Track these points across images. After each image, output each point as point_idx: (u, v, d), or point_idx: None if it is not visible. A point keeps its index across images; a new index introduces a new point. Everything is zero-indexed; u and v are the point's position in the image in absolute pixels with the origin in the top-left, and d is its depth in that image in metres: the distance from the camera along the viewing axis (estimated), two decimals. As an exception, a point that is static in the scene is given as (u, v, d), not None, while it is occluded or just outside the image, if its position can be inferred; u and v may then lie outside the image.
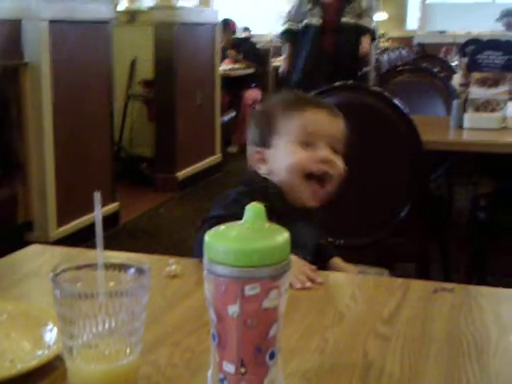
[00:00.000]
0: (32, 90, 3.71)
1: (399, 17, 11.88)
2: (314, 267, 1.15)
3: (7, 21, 3.74)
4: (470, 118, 2.80)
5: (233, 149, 7.19)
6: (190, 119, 5.60)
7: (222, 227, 0.73)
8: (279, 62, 8.98)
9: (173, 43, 5.32)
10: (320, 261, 1.34)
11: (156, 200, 5.18)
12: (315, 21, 5.39)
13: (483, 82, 2.77)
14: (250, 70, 7.43)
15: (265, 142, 1.38)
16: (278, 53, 9.22)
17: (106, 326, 0.72)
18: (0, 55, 3.75)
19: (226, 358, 0.70)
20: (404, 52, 9.14)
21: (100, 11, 4.20)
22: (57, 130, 3.82)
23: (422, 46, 10.47)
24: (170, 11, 5.29)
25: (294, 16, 5.54)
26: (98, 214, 0.78)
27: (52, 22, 3.73)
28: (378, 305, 1.04)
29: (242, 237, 0.70)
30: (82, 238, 3.78)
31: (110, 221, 4.18)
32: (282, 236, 0.71)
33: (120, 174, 4.92)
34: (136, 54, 5.83)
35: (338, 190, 1.35)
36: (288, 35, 5.62)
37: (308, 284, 1.11)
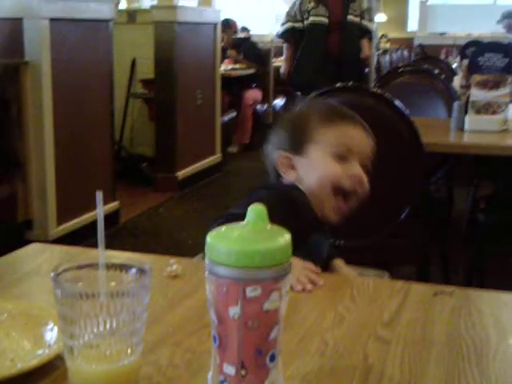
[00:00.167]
0: (32, 89, 3.71)
1: (400, 18, 11.89)
2: (317, 269, 1.15)
3: (8, 19, 3.74)
4: (470, 120, 2.80)
5: (233, 149, 7.19)
6: (190, 119, 5.60)
7: (223, 228, 0.73)
8: (280, 62, 8.99)
9: (173, 43, 5.32)
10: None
11: (156, 199, 5.18)
12: (321, 19, 5.29)
13: (484, 85, 2.77)
14: (251, 71, 7.43)
15: (296, 148, 1.36)
16: (279, 53, 9.23)
17: (107, 326, 0.72)
18: (1, 54, 3.75)
19: (226, 359, 0.70)
20: (405, 53, 9.15)
21: (101, 10, 4.20)
22: (57, 128, 3.82)
23: (422, 47, 10.48)
24: (170, 11, 5.29)
25: (296, 15, 5.43)
26: (100, 213, 0.78)
27: (53, 20, 3.74)
28: (379, 307, 1.04)
29: (244, 238, 0.70)
30: (82, 237, 3.78)
31: (109, 220, 4.18)
32: (284, 238, 0.71)
33: (120, 173, 4.92)
34: (136, 53, 5.84)
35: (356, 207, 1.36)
36: (290, 34, 5.50)
37: (309, 286, 1.10)
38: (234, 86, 7.04)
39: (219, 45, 6.19)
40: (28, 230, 3.78)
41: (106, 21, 4.27)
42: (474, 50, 3.30)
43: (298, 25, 5.40)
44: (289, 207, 1.26)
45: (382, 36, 11.05)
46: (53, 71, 3.76)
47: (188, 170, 5.59)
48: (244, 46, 7.70)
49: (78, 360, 0.74)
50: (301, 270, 1.12)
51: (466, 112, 2.83)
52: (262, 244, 0.69)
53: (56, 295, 0.73)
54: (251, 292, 0.68)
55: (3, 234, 3.53)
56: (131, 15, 5.94)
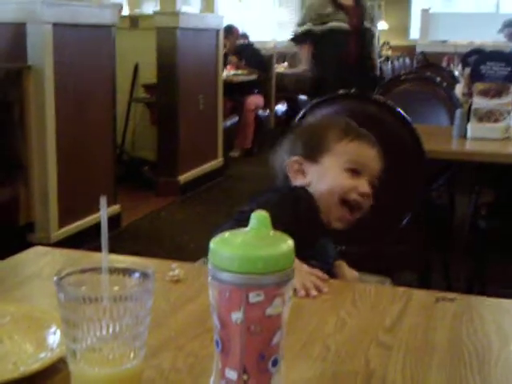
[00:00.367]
0: (35, 93, 3.72)
1: (402, 26, 11.91)
2: (324, 276, 1.15)
3: (11, 24, 3.75)
4: (473, 128, 2.81)
5: (235, 153, 7.20)
6: (192, 124, 5.61)
7: (226, 234, 0.73)
8: (282, 68, 9.02)
9: (175, 48, 5.33)
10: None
11: (157, 203, 5.18)
12: (341, 25, 5.15)
13: (486, 93, 2.77)
14: (253, 76, 7.44)
15: (311, 155, 1.42)
16: (280, 59, 9.25)
17: (110, 330, 0.72)
18: (4, 58, 3.77)
19: (228, 364, 0.70)
20: (407, 61, 9.16)
21: (103, 16, 4.21)
22: (59, 132, 3.82)
23: (424, 55, 10.49)
24: (173, 16, 5.31)
25: (314, 18, 5.24)
26: (104, 218, 0.78)
27: (56, 25, 3.75)
28: (380, 313, 1.04)
29: (247, 244, 0.70)
30: (84, 240, 3.79)
31: (111, 223, 4.13)
32: (287, 244, 0.71)
33: (122, 177, 4.93)
34: (139, 58, 5.86)
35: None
36: (307, 37, 5.28)
37: (313, 292, 1.10)
38: (235, 92, 7.05)
39: (221, 50, 6.20)
40: (30, 232, 3.79)
41: (109, 26, 4.29)
42: (476, 58, 3.31)
43: (317, 28, 5.24)
44: (297, 210, 1.32)
45: (384, 43, 11.06)
46: (55, 75, 3.77)
47: (190, 174, 5.60)
48: (246, 52, 7.72)
49: (80, 364, 0.74)
50: (306, 275, 1.13)
51: (468, 120, 2.84)
52: (264, 250, 0.70)
53: (59, 299, 0.73)
54: (254, 297, 0.68)
55: (5, 236, 3.53)
56: (134, 21, 5.95)
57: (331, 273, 1.33)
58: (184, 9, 5.56)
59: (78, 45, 4.01)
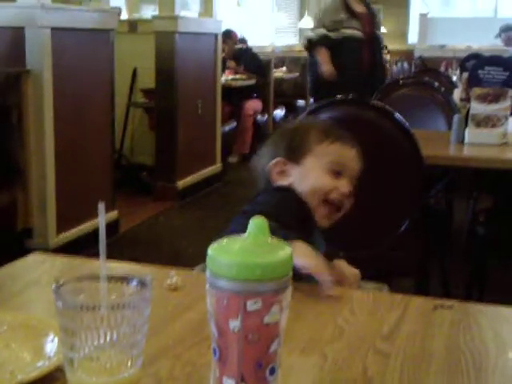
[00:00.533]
0: (33, 97, 3.72)
1: (400, 30, 11.92)
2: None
3: (10, 28, 3.75)
4: (470, 134, 2.81)
5: (233, 159, 7.20)
6: (190, 128, 5.61)
7: (224, 240, 0.73)
8: (280, 72, 9.02)
9: (174, 53, 5.33)
10: None
11: (156, 209, 5.18)
12: (355, 32, 5.17)
13: (484, 98, 2.78)
14: (251, 81, 7.45)
15: (293, 157, 1.46)
16: (279, 64, 9.26)
17: (108, 338, 0.72)
18: (2, 62, 3.77)
19: (226, 373, 0.70)
20: (405, 65, 9.17)
21: (102, 20, 4.22)
22: (58, 137, 3.83)
23: (422, 59, 10.50)
24: (171, 21, 5.31)
25: (328, 24, 5.24)
26: (102, 224, 0.78)
27: (54, 29, 3.75)
28: (378, 320, 1.04)
29: (245, 251, 0.71)
30: (82, 246, 3.79)
31: (109, 229, 4.12)
32: (285, 251, 0.71)
33: (120, 182, 4.92)
34: (137, 62, 5.86)
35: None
36: (323, 42, 5.26)
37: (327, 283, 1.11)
38: (234, 97, 7.06)
39: (220, 55, 6.21)
40: (28, 238, 3.78)
41: (108, 30, 4.29)
42: (474, 63, 3.32)
43: (330, 34, 5.24)
44: (294, 208, 1.37)
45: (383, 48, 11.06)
46: (54, 80, 3.77)
47: (188, 179, 5.60)
48: (245, 57, 7.72)
49: (78, 372, 0.74)
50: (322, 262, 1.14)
51: (466, 125, 2.84)
52: (262, 257, 0.70)
53: (57, 307, 0.73)
54: (252, 305, 0.68)
55: (3, 242, 3.53)
56: (132, 25, 5.96)
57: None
58: (183, 13, 5.56)
59: (76, 49, 4.01)
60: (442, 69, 7.94)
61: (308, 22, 11.91)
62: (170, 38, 5.33)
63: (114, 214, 4.40)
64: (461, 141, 2.83)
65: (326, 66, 5.35)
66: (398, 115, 2.30)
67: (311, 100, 7.38)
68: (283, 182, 1.46)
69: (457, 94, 4.15)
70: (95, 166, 4.29)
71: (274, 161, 1.47)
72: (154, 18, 5.51)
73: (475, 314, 1.11)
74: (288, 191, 1.43)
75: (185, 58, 5.45)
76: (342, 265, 1.44)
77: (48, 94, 3.74)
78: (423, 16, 11.88)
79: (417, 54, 11.23)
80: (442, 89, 3.85)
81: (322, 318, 1.06)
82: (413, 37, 12.10)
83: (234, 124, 7.03)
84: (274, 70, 8.51)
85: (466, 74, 3.95)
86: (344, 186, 1.44)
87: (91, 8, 4.21)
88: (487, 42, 10.11)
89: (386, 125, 2.29)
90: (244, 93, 7.31)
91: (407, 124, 2.30)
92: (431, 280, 2.65)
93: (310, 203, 1.42)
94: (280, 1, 11.39)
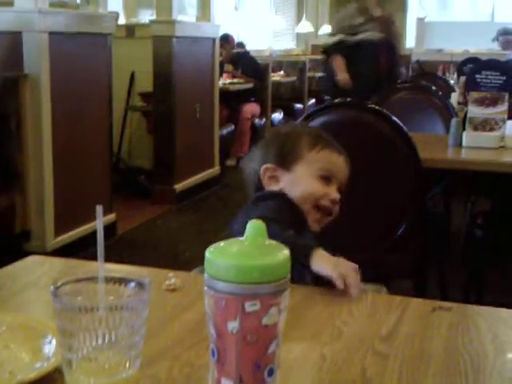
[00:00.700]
0: (31, 102, 3.72)
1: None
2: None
3: (8, 33, 3.75)
4: (468, 137, 2.81)
5: (231, 162, 7.20)
6: (188, 132, 5.62)
7: (222, 243, 0.74)
8: (278, 76, 9.03)
9: (172, 57, 5.34)
10: None
11: (153, 212, 5.18)
12: (374, 35, 5.12)
13: (481, 102, 2.78)
14: (249, 85, 7.45)
15: (284, 163, 1.49)
16: (277, 68, 9.27)
17: (106, 339, 0.73)
18: (0, 67, 3.77)
19: (224, 374, 0.70)
20: (403, 69, 9.17)
21: (100, 24, 4.22)
22: (56, 140, 3.83)
23: (419, 63, 10.51)
24: (169, 25, 5.32)
25: (345, 29, 5.19)
26: (100, 227, 0.78)
27: (52, 34, 3.75)
28: (377, 322, 1.04)
29: (243, 253, 0.71)
30: (80, 248, 3.79)
31: (107, 232, 4.09)
32: (283, 253, 0.71)
33: (118, 186, 4.92)
34: (135, 67, 5.87)
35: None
36: (339, 48, 5.22)
37: (353, 288, 1.12)
38: (232, 100, 7.06)
39: (218, 59, 6.21)
40: (26, 241, 3.78)
41: (105, 35, 4.29)
42: (472, 67, 3.33)
43: (349, 39, 5.18)
44: (288, 211, 1.40)
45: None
46: (52, 84, 3.77)
47: (186, 182, 5.60)
48: (242, 61, 7.72)
49: (76, 373, 0.74)
50: (348, 267, 1.15)
51: (463, 128, 2.84)
52: (260, 259, 0.70)
53: (55, 308, 0.73)
54: (250, 307, 0.68)
55: (1, 244, 3.52)
56: (130, 29, 5.97)
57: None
58: (180, 18, 5.57)
59: (74, 53, 4.01)
60: (440, 73, 7.96)
61: (306, 26, 11.93)
62: (168, 42, 5.33)
63: (111, 216, 4.40)
64: (458, 144, 2.84)
65: (341, 74, 5.33)
66: (395, 119, 2.30)
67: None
68: (274, 187, 1.48)
69: (454, 98, 4.16)
70: (93, 170, 4.29)
71: (264, 166, 1.50)
72: (152, 22, 5.52)
73: (473, 315, 1.11)
74: (280, 197, 1.45)
75: (182, 62, 5.46)
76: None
77: (46, 98, 3.74)
78: (420, 20, 11.90)
79: (414, 58, 11.24)
80: (440, 93, 3.85)
81: (320, 320, 1.06)
82: (410, 41, 12.11)
83: (231, 127, 7.04)
84: (272, 73, 8.52)
85: (463, 78, 3.96)
86: (333, 192, 1.47)
87: (89, 12, 4.21)
88: (484, 46, 10.13)
89: (385, 128, 2.29)
90: (242, 96, 7.31)
91: (405, 127, 2.30)
92: (429, 282, 2.65)
93: (302, 208, 1.45)
94: (277, 5, 11.40)
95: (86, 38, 4.11)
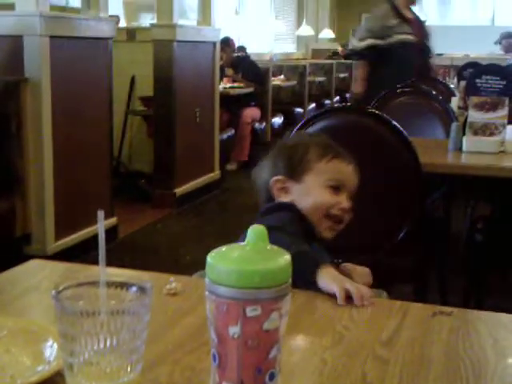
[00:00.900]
0: (32, 105, 3.72)
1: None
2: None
3: (9, 36, 3.76)
4: (468, 142, 2.81)
5: (231, 166, 7.20)
6: (188, 136, 5.62)
7: (224, 248, 0.74)
8: (278, 80, 9.04)
9: (172, 61, 5.34)
10: None
11: (154, 216, 5.18)
12: (407, 37, 4.96)
13: (481, 107, 2.79)
14: (249, 89, 7.46)
15: (293, 175, 1.51)
16: (277, 72, 9.28)
17: (108, 343, 0.73)
18: (1, 71, 3.77)
19: (226, 378, 0.71)
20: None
21: (100, 28, 4.23)
22: (56, 144, 3.83)
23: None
24: (170, 29, 5.32)
25: (378, 31, 5.01)
26: (102, 231, 0.78)
27: (53, 38, 3.76)
28: (377, 327, 1.04)
29: (244, 258, 0.71)
30: (81, 252, 3.80)
31: (107, 235, 4.07)
32: (284, 258, 0.72)
33: (118, 189, 4.93)
34: (136, 70, 5.87)
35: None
36: (370, 52, 5.03)
37: (357, 300, 1.12)
38: (232, 104, 7.06)
39: (218, 63, 6.22)
40: (26, 244, 3.78)
41: (106, 39, 4.30)
42: (472, 71, 3.33)
43: (380, 42, 5.00)
44: (299, 222, 1.42)
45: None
46: (52, 88, 3.78)
47: (186, 186, 5.60)
48: (243, 65, 7.73)
49: (77, 377, 0.74)
50: (348, 281, 1.15)
51: (463, 133, 2.85)
52: (261, 264, 0.70)
53: (57, 313, 0.73)
54: (251, 312, 0.68)
55: (2, 248, 3.53)
56: (131, 33, 5.97)
57: None
58: (181, 22, 5.57)
59: (75, 57, 4.02)
60: (440, 77, 7.96)
61: (306, 30, 11.95)
62: (169, 46, 5.34)
63: (112, 220, 4.40)
64: (458, 149, 2.84)
65: (357, 85, 5.22)
66: (395, 123, 2.30)
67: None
68: (285, 198, 1.50)
69: (455, 103, 4.16)
70: (93, 174, 4.29)
71: (274, 178, 1.52)
72: (153, 26, 5.52)
73: (474, 320, 1.12)
74: (290, 208, 1.46)
75: (183, 66, 5.46)
76: (350, 265, 1.47)
77: (46, 102, 3.74)
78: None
79: (414, 63, 11.24)
80: (440, 97, 3.86)
81: (321, 324, 1.06)
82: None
83: (232, 132, 7.04)
84: (272, 78, 8.53)
85: (463, 83, 3.96)
86: (343, 201, 1.49)
87: (90, 16, 4.22)
88: (485, 50, 10.15)
89: (385, 133, 2.29)
90: (242, 101, 7.32)
91: (405, 132, 2.30)
92: (429, 286, 2.65)
93: (313, 218, 1.47)
94: (278, 9, 11.42)
95: (86, 42, 4.12)
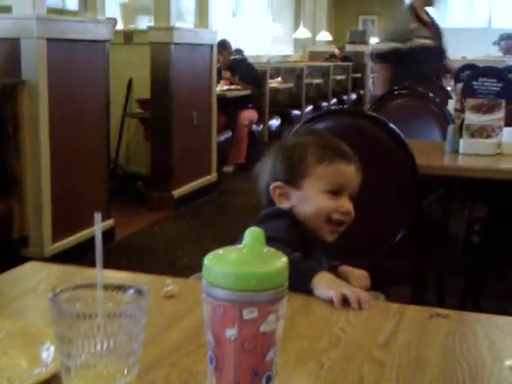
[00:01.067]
0: (29, 108, 3.72)
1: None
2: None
3: (6, 39, 3.76)
4: (465, 144, 2.82)
5: (228, 169, 7.20)
6: (185, 138, 5.62)
7: (221, 251, 0.74)
8: (275, 83, 9.05)
9: (169, 63, 5.34)
10: None
11: (151, 218, 5.18)
12: (427, 42, 4.95)
13: (478, 109, 2.79)
14: (246, 92, 7.46)
15: (292, 181, 1.49)
16: (274, 74, 9.28)
17: (104, 346, 0.73)
18: (-2, 73, 3.77)
19: (222, 381, 0.71)
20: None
21: (98, 31, 4.22)
22: (53, 147, 3.83)
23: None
24: (167, 32, 5.32)
25: (400, 35, 4.98)
26: (98, 234, 0.78)
27: (50, 40, 3.76)
28: (374, 329, 1.05)
29: (241, 261, 0.71)
30: (78, 254, 3.79)
31: (104, 238, 4.10)
32: (281, 261, 0.72)
33: (115, 192, 4.92)
34: (133, 73, 5.87)
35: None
36: (393, 55, 4.97)
37: (355, 303, 1.13)
38: (229, 107, 7.06)
39: (215, 66, 6.22)
40: (24, 247, 3.78)
41: (103, 41, 4.30)
42: (469, 74, 3.33)
43: (402, 46, 4.96)
44: (296, 230, 1.42)
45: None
46: (49, 90, 3.77)
47: (183, 189, 5.60)
48: (240, 67, 7.74)
49: (74, 380, 0.74)
50: (346, 286, 1.16)
51: (460, 135, 2.85)
52: (258, 267, 0.70)
53: (54, 315, 0.73)
54: (248, 314, 0.68)
55: (-1, 250, 3.53)
56: (128, 36, 5.97)
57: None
58: (178, 24, 5.57)
59: (72, 60, 4.02)
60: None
61: (303, 33, 11.96)
62: (166, 48, 5.34)
63: (109, 222, 4.40)
64: (455, 151, 2.84)
65: (381, 85, 5.15)
66: (392, 126, 2.31)
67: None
68: (285, 204, 1.49)
69: (451, 105, 4.17)
70: (91, 176, 4.29)
71: (273, 184, 1.50)
72: (150, 28, 5.52)
73: (471, 323, 1.12)
74: (287, 215, 1.46)
75: (180, 69, 5.46)
76: (347, 267, 1.47)
77: (43, 105, 3.74)
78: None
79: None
80: (437, 99, 3.86)
81: (318, 327, 1.06)
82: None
83: (229, 134, 7.04)
84: (270, 80, 8.53)
85: (460, 85, 3.97)
86: (344, 205, 1.47)
87: (87, 19, 4.21)
88: (482, 52, 10.17)
89: (382, 135, 2.30)
90: (239, 103, 7.32)
91: (402, 134, 2.31)
92: (427, 289, 2.65)
93: (314, 223, 1.46)
94: (275, 11, 11.43)
95: (83, 45, 4.12)
